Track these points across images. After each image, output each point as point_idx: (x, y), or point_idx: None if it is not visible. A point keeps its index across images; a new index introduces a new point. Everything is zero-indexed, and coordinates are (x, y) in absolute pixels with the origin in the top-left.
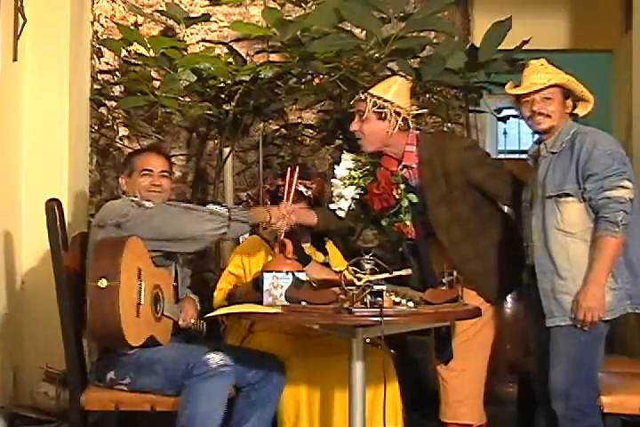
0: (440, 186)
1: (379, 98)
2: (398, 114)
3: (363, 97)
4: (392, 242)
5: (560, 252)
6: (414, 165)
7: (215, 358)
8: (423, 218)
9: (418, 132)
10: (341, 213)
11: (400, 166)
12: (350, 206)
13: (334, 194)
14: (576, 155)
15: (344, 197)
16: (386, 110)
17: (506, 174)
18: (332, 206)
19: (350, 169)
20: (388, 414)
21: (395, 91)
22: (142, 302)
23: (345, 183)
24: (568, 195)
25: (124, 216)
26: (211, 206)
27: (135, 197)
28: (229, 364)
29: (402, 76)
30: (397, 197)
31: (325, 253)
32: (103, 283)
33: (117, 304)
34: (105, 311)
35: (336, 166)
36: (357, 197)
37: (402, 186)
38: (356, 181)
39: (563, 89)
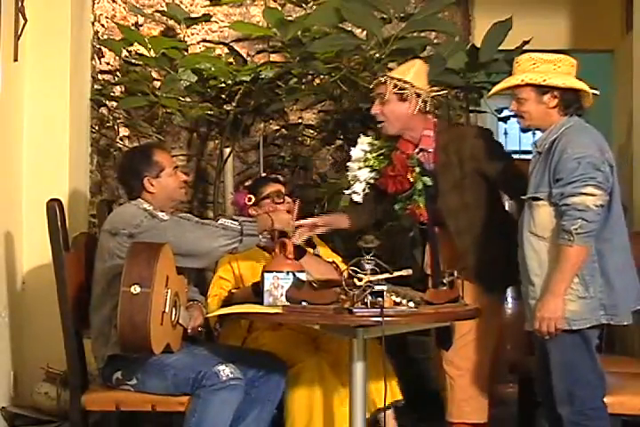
0: (454, 172)
1: (399, 80)
2: (419, 95)
3: (383, 80)
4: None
5: (533, 257)
6: (431, 150)
7: (226, 371)
8: (434, 204)
9: (436, 119)
10: (357, 198)
11: (417, 150)
12: (364, 190)
13: (349, 178)
14: (550, 157)
15: (359, 180)
16: (407, 91)
17: (516, 168)
18: (347, 191)
19: (366, 151)
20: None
21: (414, 73)
22: (166, 311)
23: (360, 166)
24: (539, 198)
25: (136, 227)
26: (223, 220)
27: (164, 198)
28: (239, 377)
29: (420, 58)
30: (412, 180)
31: (313, 246)
32: (136, 289)
33: (148, 312)
34: (135, 318)
35: (352, 148)
36: (372, 180)
37: (417, 169)
38: (371, 163)
39: (537, 87)
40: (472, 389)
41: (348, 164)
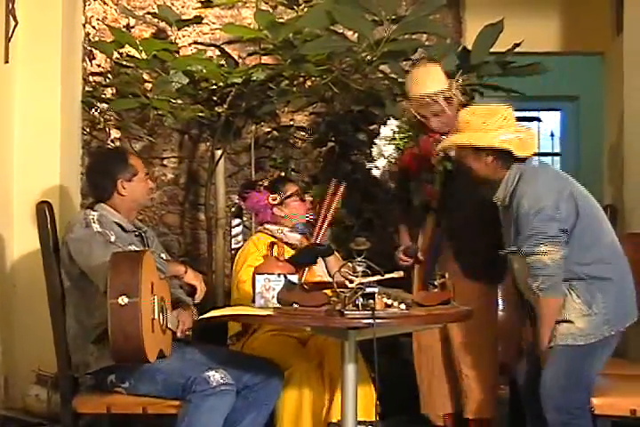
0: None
1: (441, 92)
2: (437, 96)
3: (428, 100)
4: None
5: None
6: None
7: (216, 376)
8: (447, 191)
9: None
10: (376, 172)
11: (443, 136)
12: (385, 167)
13: (374, 153)
14: (512, 211)
15: (383, 156)
16: (452, 97)
17: None
18: (369, 165)
19: (394, 131)
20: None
21: (443, 77)
22: (155, 317)
23: (386, 144)
24: (514, 252)
25: (70, 232)
26: (133, 248)
27: (134, 201)
28: (230, 382)
29: (430, 60)
30: (434, 162)
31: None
32: (124, 300)
33: (139, 321)
34: (126, 329)
35: (382, 127)
36: (394, 159)
37: (440, 153)
38: (397, 142)
39: (469, 147)
40: (486, 383)
41: (375, 140)
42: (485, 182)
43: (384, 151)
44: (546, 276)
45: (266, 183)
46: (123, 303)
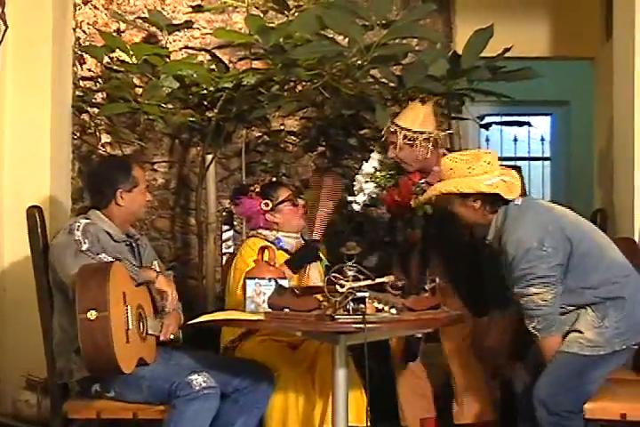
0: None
1: (408, 130)
2: (428, 140)
3: (392, 129)
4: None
5: None
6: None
7: (199, 380)
8: (429, 235)
9: (445, 151)
10: (356, 207)
11: (422, 180)
12: (365, 201)
13: (355, 188)
14: (503, 251)
15: (363, 192)
16: (417, 142)
17: None
18: (350, 198)
19: (376, 169)
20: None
21: (421, 120)
22: (130, 327)
23: (367, 180)
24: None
25: (54, 238)
26: (103, 256)
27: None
28: (213, 386)
29: (424, 99)
30: (413, 206)
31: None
32: (93, 315)
33: (109, 335)
34: (97, 343)
35: (364, 162)
36: (374, 195)
37: (420, 197)
38: (378, 180)
39: (456, 194)
40: (477, 385)
41: (357, 175)
42: (474, 227)
43: (364, 189)
44: (540, 316)
45: (257, 189)
46: (92, 318)
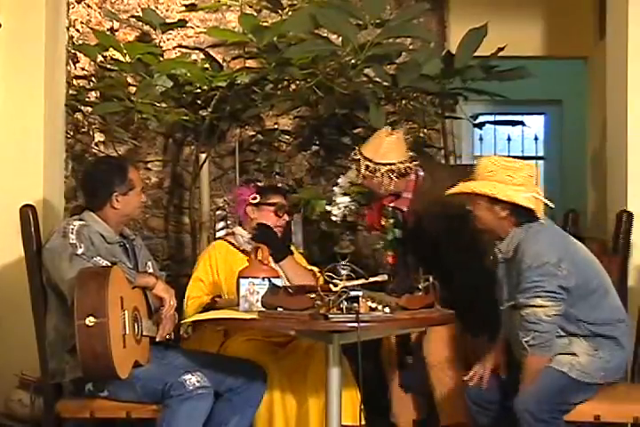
0: (419, 238)
1: (369, 160)
2: (392, 171)
3: (356, 157)
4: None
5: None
6: (405, 209)
7: (192, 380)
8: (402, 257)
9: (419, 174)
10: (335, 218)
11: (392, 204)
12: (344, 212)
13: (334, 198)
14: (515, 265)
15: (337, 206)
16: (377, 174)
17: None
18: (328, 208)
19: (351, 184)
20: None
21: (383, 151)
22: (127, 332)
23: (342, 193)
24: (516, 307)
25: (47, 240)
26: (98, 259)
27: (126, 215)
28: (207, 385)
29: (393, 129)
30: (385, 227)
31: (290, 252)
32: (91, 321)
33: (107, 342)
34: (95, 351)
35: (342, 176)
36: (351, 207)
37: (391, 220)
38: (352, 195)
39: (488, 197)
40: (457, 388)
41: (334, 188)
42: (487, 233)
43: (339, 202)
44: (537, 332)
45: (262, 184)
46: (90, 324)
